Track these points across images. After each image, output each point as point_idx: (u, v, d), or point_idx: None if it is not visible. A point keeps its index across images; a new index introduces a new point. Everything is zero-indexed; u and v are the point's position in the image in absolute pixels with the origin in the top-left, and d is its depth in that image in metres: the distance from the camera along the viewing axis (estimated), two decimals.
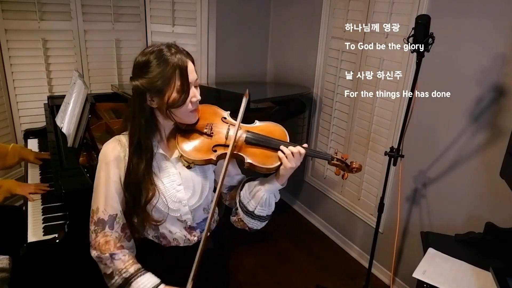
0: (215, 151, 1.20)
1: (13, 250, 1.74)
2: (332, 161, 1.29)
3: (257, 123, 1.30)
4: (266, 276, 2.62)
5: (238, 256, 2.73)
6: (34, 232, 1.60)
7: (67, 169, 1.76)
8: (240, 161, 1.24)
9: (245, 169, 1.24)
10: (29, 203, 1.80)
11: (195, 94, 1.16)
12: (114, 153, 1.17)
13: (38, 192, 1.87)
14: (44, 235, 1.58)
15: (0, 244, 1.82)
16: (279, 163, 1.20)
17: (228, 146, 1.20)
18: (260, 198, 1.23)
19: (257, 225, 1.29)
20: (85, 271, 1.61)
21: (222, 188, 1.33)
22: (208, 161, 1.20)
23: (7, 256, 1.75)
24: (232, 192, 1.36)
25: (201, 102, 1.21)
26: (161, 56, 1.10)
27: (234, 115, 1.27)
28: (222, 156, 1.20)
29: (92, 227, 1.17)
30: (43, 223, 1.66)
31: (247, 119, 1.28)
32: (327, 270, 2.71)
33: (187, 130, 1.22)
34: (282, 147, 1.20)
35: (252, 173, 1.28)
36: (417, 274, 1.49)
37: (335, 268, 2.74)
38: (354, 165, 1.28)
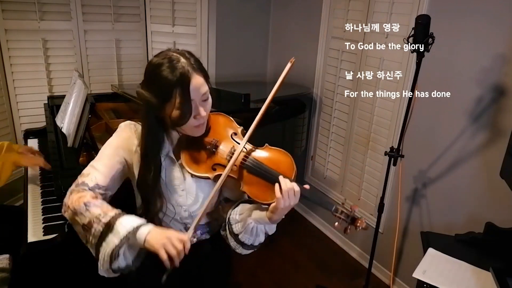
0: (214, 169, 1.15)
1: (13, 250, 1.74)
2: (337, 214, 1.13)
3: (267, 149, 1.19)
4: (266, 276, 2.62)
5: (238, 256, 2.72)
6: (34, 232, 1.60)
7: (67, 169, 1.76)
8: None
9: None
10: (29, 204, 1.80)
11: (199, 111, 1.09)
12: (127, 143, 1.17)
13: (39, 163, 1.92)
14: (44, 235, 1.58)
15: (0, 243, 1.82)
16: (274, 201, 1.08)
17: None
18: (247, 225, 1.16)
19: (240, 250, 1.21)
20: (85, 271, 1.62)
21: (221, 197, 1.29)
22: (206, 178, 1.16)
23: (7, 256, 1.76)
24: (227, 206, 1.28)
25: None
26: (165, 69, 1.04)
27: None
28: (220, 176, 1.14)
29: (71, 187, 1.10)
30: (43, 223, 1.66)
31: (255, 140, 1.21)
32: (327, 270, 2.71)
33: (194, 140, 1.18)
34: (280, 179, 1.08)
35: None
36: (417, 274, 1.49)
37: (335, 268, 2.73)
38: (359, 224, 1.11)
